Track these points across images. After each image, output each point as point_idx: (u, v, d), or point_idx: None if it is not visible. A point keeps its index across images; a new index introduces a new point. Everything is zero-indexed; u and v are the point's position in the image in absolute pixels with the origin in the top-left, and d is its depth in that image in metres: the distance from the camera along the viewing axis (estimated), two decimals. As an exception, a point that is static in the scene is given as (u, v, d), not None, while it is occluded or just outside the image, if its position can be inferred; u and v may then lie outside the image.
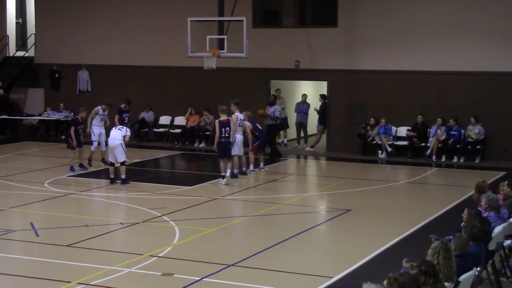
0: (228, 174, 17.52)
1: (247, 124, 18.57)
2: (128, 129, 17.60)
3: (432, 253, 7.33)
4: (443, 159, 21.16)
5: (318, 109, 23.44)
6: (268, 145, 20.95)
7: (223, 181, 17.36)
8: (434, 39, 21.57)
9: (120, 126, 17.72)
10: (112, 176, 17.22)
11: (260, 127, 19.36)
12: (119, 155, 17.07)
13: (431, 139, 21.27)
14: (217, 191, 16.73)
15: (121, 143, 17.10)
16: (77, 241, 12.11)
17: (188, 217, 14.08)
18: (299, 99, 24.20)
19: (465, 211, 9.66)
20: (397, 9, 21.95)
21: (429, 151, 21.22)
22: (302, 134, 23.94)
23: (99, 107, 19.44)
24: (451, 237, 8.46)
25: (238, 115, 17.95)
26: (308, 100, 24.02)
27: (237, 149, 17.99)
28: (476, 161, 20.93)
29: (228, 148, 17.47)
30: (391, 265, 10.69)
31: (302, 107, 23.77)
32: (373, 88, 22.40)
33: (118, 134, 17.16)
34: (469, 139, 20.97)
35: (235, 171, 18.07)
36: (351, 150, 22.43)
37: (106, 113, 19.57)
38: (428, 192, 17.87)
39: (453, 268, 7.30)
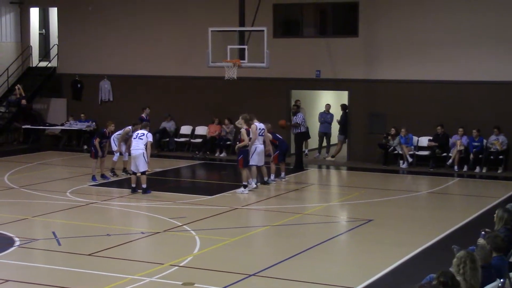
0: (253, 184, 17.61)
1: (268, 135, 18.58)
2: (149, 135, 17.44)
3: (458, 263, 7.22)
4: (465, 169, 21.01)
5: (339, 119, 23.46)
6: (296, 153, 20.99)
7: (245, 190, 17.40)
8: (455, 48, 21.47)
9: (141, 133, 17.40)
10: (133, 185, 17.28)
11: (280, 137, 19.36)
12: (141, 165, 17.13)
13: (452, 149, 21.15)
14: (238, 201, 16.74)
15: (143, 152, 17.15)
16: (99, 250, 12.18)
17: (209, 227, 14.09)
18: (320, 109, 24.19)
19: (496, 212, 9.58)
20: (417, 19, 21.89)
21: (450, 161, 21.09)
22: (324, 144, 23.89)
23: (130, 127, 19.18)
24: (474, 247, 8.39)
25: (257, 125, 17.97)
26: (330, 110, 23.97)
27: (256, 159, 17.99)
28: (499, 171, 20.77)
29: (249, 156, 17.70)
30: (413, 276, 10.64)
31: (326, 117, 23.70)
32: (394, 98, 22.32)
33: (140, 143, 17.18)
34: (492, 149, 20.81)
35: (255, 180, 18.06)
36: (372, 160, 22.35)
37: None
38: (450, 202, 17.74)
39: (478, 279, 7.20)
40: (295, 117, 21.29)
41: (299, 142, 21.37)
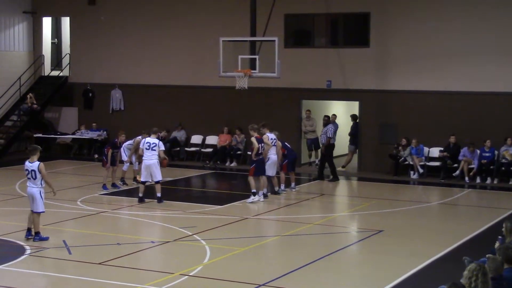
0: (260, 193, 17.63)
1: (279, 144, 18.58)
2: (161, 143, 17.54)
3: (469, 276, 7.15)
4: (477, 180, 20.90)
5: (350, 130, 23.45)
6: (328, 165, 21.16)
7: (255, 198, 17.41)
8: (467, 59, 21.43)
9: (153, 143, 17.36)
10: (141, 194, 17.28)
11: (289, 146, 19.33)
12: (156, 174, 17.19)
13: (461, 158, 21.04)
14: (248, 211, 16.73)
15: (157, 162, 17.25)
16: (109, 259, 12.20)
17: (219, 236, 14.09)
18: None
19: (504, 224, 9.53)
20: (428, 30, 21.86)
21: (457, 172, 21.00)
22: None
23: (140, 137, 18.83)
24: (485, 259, 8.34)
25: (269, 135, 17.99)
26: (339, 120, 23.92)
27: (270, 170, 18.03)
28: (510, 182, 20.65)
29: (263, 166, 17.67)
30: (423, 287, 10.60)
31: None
32: (405, 108, 22.29)
33: (154, 154, 17.26)
34: (504, 160, 20.73)
35: (265, 190, 18.06)
36: (383, 170, 22.30)
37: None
38: (461, 213, 17.67)
39: None
40: (324, 128, 21.28)
41: (329, 153, 21.32)
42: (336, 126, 23.66)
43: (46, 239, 13.45)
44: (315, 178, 21.27)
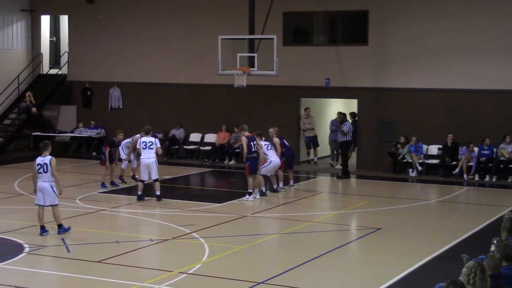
0: (257, 192, 17.64)
1: (276, 140, 18.62)
2: (157, 141, 17.53)
3: (468, 273, 7.16)
4: (477, 178, 20.92)
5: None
6: (342, 162, 21.42)
7: (249, 197, 17.43)
8: (466, 56, 21.44)
9: (149, 142, 17.34)
10: (140, 192, 17.30)
11: (286, 143, 19.32)
12: (155, 172, 17.20)
13: (460, 156, 21.06)
14: (247, 208, 16.75)
15: (155, 160, 17.25)
16: (108, 257, 12.20)
17: (218, 234, 14.09)
18: (329, 117, 24.15)
19: (504, 219, 9.53)
20: (427, 27, 21.87)
21: (457, 169, 21.01)
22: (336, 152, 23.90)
23: (138, 135, 18.74)
24: (484, 257, 8.35)
25: (262, 143, 18.07)
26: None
27: (269, 170, 18.11)
28: (509, 180, 20.67)
29: (257, 163, 17.73)
30: (422, 285, 10.62)
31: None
32: (404, 106, 22.30)
33: (152, 152, 17.28)
34: (502, 158, 20.75)
35: (263, 188, 18.07)
36: (381, 168, 22.31)
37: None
38: (459, 211, 17.68)
39: None
40: (342, 125, 21.29)
41: (345, 150, 21.39)
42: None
43: (69, 229, 13.86)
44: (339, 176, 21.30)
